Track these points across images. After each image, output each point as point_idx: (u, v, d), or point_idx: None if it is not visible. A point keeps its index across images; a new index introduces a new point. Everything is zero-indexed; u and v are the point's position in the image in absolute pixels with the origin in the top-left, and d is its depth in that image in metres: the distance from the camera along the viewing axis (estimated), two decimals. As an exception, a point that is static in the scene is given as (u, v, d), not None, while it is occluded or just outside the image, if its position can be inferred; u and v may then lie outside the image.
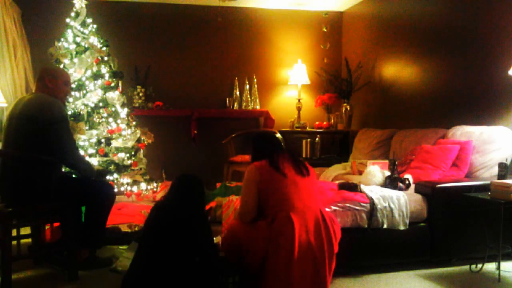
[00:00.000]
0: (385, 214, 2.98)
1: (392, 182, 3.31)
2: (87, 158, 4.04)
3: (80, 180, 3.11)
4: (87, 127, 4.15)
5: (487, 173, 3.40)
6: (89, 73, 4.28)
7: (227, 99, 5.92)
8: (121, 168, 4.21)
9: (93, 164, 3.70)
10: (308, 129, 5.82)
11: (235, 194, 3.56)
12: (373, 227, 2.97)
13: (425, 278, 2.91)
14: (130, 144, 4.30)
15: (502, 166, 3.15)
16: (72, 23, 4.35)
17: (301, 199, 2.46)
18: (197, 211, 2.47)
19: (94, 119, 4.23)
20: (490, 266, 3.02)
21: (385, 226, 2.98)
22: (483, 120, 3.68)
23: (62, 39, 4.34)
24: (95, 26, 4.46)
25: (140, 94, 5.55)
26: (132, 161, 4.31)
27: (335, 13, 6.20)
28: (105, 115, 4.27)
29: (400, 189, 3.24)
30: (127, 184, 4.31)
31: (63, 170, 3.19)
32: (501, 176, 3.13)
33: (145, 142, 4.65)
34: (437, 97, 4.32)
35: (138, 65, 5.64)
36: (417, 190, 3.22)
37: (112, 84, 4.36)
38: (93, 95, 4.21)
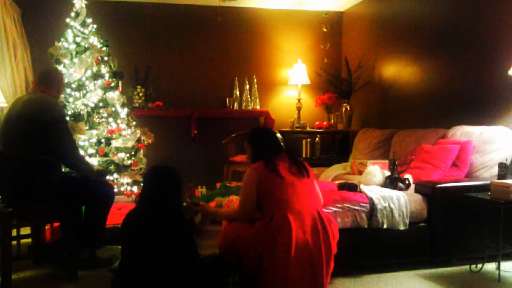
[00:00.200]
0: (385, 214, 2.98)
1: (392, 182, 3.31)
2: (87, 158, 4.04)
3: (80, 180, 3.11)
4: (87, 127, 4.15)
5: (487, 173, 3.40)
6: (89, 73, 4.27)
7: (227, 99, 5.92)
8: (121, 168, 4.21)
9: (93, 164, 3.70)
10: (308, 129, 5.82)
11: (235, 194, 3.56)
12: (373, 227, 2.97)
13: (425, 278, 2.91)
14: (130, 144, 4.29)
15: (502, 166, 3.15)
16: (72, 23, 4.35)
17: (298, 200, 2.47)
18: (173, 214, 2.31)
19: (94, 119, 4.23)
20: (490, 266, 3.02)
21: (385, 226, 2.98)
22: (483, 120, 3.68)
23: (62, 39, 4.34)
24: (95, 26, 4.45)
25: (140, 94, 5.55)
26: (132, 161, 4.31)
27: (335, 13, 6.19)
28: (105, 115, 4.27)
29: (400, 189, 3.24)
30: (127, 184, 4.31)
31: (63, 170, 3.19)
32: (501, 176, 3.13)
33: (145, 142, 4.65)
34: (437, 97, 4.32)
35: (138, 65, 5.64)
36: (417, 190, 3.22)
37: (112, 84, 4.36)
38: (93, 95, 4.21)
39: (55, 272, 2.99)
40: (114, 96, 4.29)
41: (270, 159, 2.53)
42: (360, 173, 3.85)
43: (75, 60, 4.24)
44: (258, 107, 5.96)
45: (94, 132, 4.17)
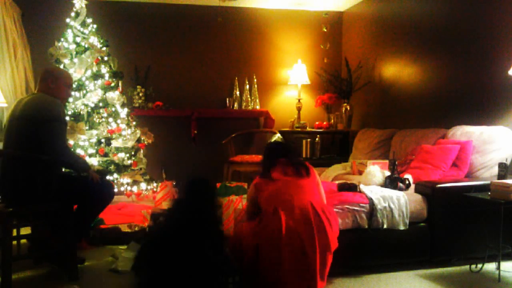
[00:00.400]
0: (385, 214, 2.98)
1: (392, 182, 3.31)
2: (87, 158, 4.04)
3: (81, 180, 3.11)
4: (87, 127, 4.16)
5: (487, 173, 3.40)
6: (89, 73, 4.28)
7: (227, 99, 5.92)
8: (121, 168, 4.22)
9: (85, 160, 3.65)
10: (308, 129, 5.82)
11: (235, 194, 3.57)
12: (373, 228, 2.97)
13: (425, 278, 2.91)
14: (130, 144, 4.30)
15: (502, 166, 3.15)
16: (72, 23, 4.36)
17: (288, 193, 2.62)
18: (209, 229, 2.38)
19: (94, 119, 4.24)
20: (490, 266, 3.02)
21: (385, 226, 2.98)
22: (483, 120, 3.68)
23: (62, 39, 4.35)
24: (95, 26, 4.46)
25: (140, 94, 5.55)
26: (132, 161, 4.31)
27: (335, 13, 6.19)
28: (105, 115, 4.27)
29: (400, 189, 3.24)
30: (127, 184, 4.32)
31: (63, 170, 3.19)
32: (501, 176, 3.13)
33: (145, 142, 4.66)
34: (437, 97, 4.32)
35: (138, 65, 5.64)
36: (417, 190, 3.22)
37: (112, 84, 4.37)
38: (93, 95, 4.21)
39: (55, 272, 2.99)
40: (114, 96, 4.29)
41: (267, 172, 2.81)
42: (360, 173, 3.85)
43: (75, 60, 4.25)
44: (258, 107, 5.96)
45: (94, 132, 4.17)
